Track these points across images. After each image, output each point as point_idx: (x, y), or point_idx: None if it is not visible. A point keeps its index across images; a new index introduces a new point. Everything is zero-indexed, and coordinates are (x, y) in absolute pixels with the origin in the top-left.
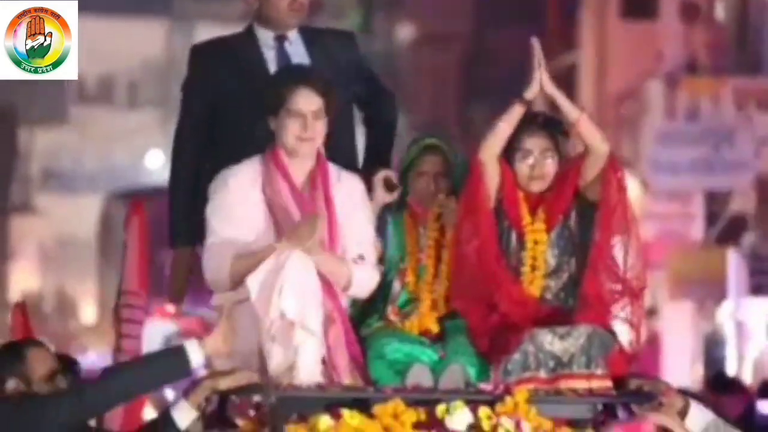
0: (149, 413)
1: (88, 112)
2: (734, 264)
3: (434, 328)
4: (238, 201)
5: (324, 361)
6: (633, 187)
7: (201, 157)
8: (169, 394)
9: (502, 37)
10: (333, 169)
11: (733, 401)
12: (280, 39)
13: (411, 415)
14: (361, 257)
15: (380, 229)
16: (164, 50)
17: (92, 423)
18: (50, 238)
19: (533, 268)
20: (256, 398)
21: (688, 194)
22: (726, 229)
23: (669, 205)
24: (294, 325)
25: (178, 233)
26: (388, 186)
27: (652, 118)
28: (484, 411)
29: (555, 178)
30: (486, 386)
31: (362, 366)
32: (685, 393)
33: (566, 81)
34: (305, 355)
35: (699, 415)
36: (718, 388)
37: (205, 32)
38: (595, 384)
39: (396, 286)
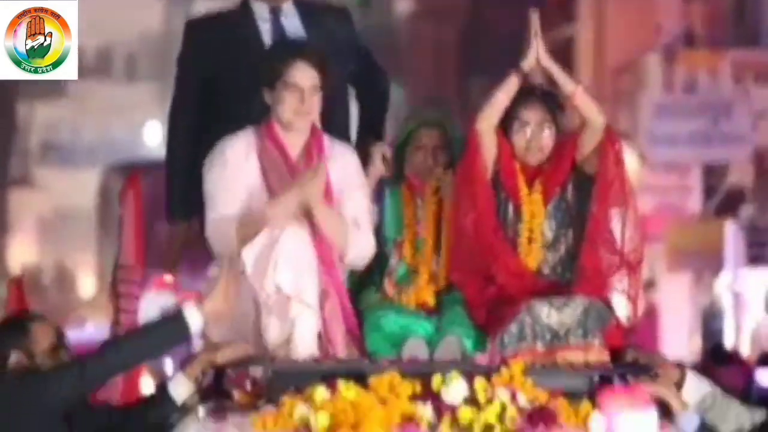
0: (147, 383)
1: (87, 86)
2: (732, 236)
3: (431, 302)
4: (236, 171)
5: (320, 334)
6: (631, 160)
7: (197, 131)
8: (169, 365)
9: (502, 10)
10: (328, 141)
11: (732, 372)
12: (275, 12)
13: (407, 387)
14: (357, 225)
15: (376, 201)
16: (162, 23)
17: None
18: (49, 211)
19: (530, 240)
20: (253, 371)
21: (685, 167)
22: (724, 202)
23: (667, 178)
24: (290, 299)
25: (175, 207)
26: (384, 159)
27: (650, 91)
28: (480, 383)
29: (552, 151)
30: (482, 358)
31: (359, 338)
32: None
33: (564, 54)
34: (301, 328)
35: (695, 387)
36: (717, 359)
37: (203, 5)
38: (592, 356)
39: (393, 258)
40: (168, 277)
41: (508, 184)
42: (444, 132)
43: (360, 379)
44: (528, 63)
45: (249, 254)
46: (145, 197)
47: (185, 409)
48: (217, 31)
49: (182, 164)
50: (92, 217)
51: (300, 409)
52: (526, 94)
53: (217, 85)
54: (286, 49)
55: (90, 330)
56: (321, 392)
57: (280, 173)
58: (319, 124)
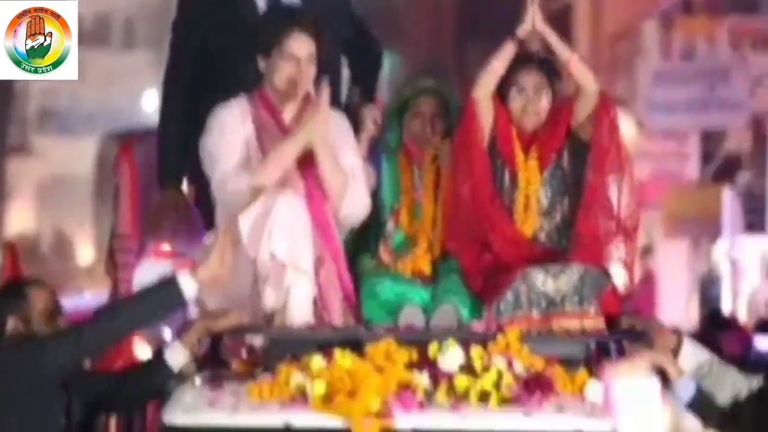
0: (142, 350)
1: (86, 53)
2: (729, 202)
3: (427, 270)
4: (234, 134)
5: (315, 301)
6: (628, 127)
7: (190, 97)
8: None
9: None
10: None
11: (730, 339)
12: None
13: (403, 355)
14: (353, 177)
15: (372, 166)
16: None
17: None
18: (47, 178)
19: (526, 207)
20: (249, 339)
21: (683, 134)
22: (721, 168)
23: (664, 145)
24: (285, 267)
25: (167, 172)
26: (375, 122)
27: (647, 58)
28: (476, 350)
29: (548, 116)
30: (478, 325)
31: (355, 305)
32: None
33: (562, 21)
34: (297, 295)
35: (692, 353)
36: (714, 326)
37: None
38: (588, 323)
39: (390, 225)
40: (166, 246)
41: (504, 150)
42: (442, 100)
43: (356, 346)
44: (524, 29)
45: (245, 222)
46: (143, 165)
47: (182, 377)
48: None
49: (175, 129)
50: (90, 184)
51: (296, 378)
52: (522, 61)
53: (211, 49)
54: (284, 18)
55: (88, 298)
56: (317, 360)
57: (275, 140)
58: (312, 92)
